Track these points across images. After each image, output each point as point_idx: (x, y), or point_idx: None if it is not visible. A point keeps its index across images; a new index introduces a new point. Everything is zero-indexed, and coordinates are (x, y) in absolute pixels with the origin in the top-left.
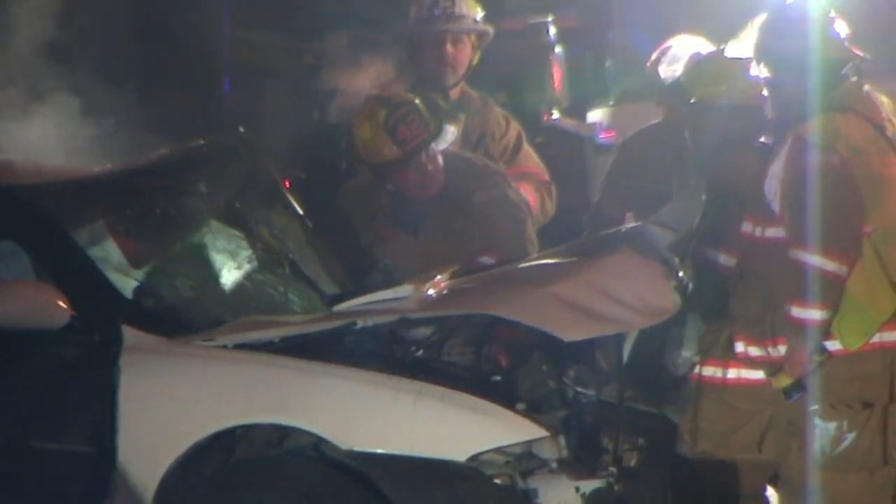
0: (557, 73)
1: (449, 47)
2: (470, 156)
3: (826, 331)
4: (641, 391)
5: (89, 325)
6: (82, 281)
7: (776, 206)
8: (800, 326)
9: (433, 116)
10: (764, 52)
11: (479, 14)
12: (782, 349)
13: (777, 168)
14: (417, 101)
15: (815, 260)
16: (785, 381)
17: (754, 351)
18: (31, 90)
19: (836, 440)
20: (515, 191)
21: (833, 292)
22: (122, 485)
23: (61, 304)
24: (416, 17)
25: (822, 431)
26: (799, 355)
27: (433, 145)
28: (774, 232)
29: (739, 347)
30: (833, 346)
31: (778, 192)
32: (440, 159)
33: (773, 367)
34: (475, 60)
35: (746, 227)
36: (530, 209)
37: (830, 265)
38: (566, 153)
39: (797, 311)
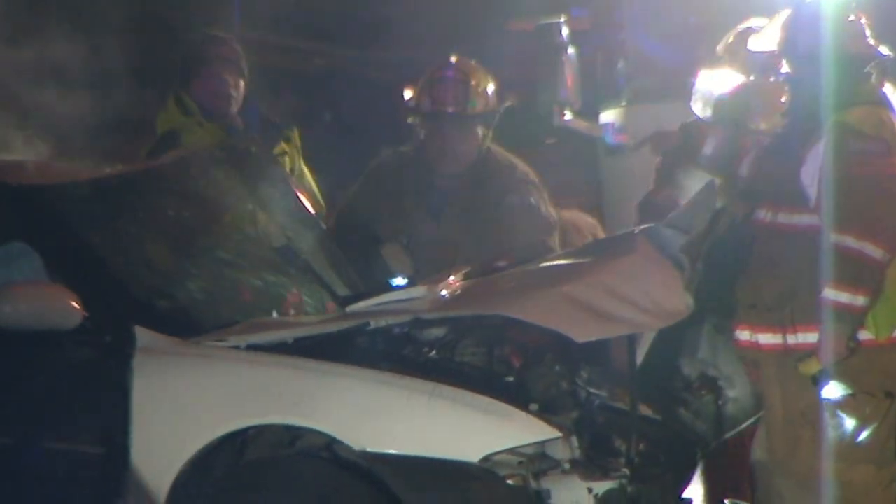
0: (569, 74)
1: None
2: (515, 160)
3: (862, 318)
4: (650, 396)
5: (101, 326)
6: (94, 282)
7: (813, 192)
8: (840, 312)
9: (481, 100)
10: (789, 47)
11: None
12: (801, 337)
13: (815, 155)
14: (482, 77)
15: (860, 245)
16: (815, 367)
17: (765, 339)
18: (40, 91)
19: (857, 430)
20: (547, 205)
21: (876, 278)
22: (135, 486)
23: (73, 305)
24: None
25: (841, 421)
26: (835, 341)
27: (463, 123)
28: (802, 219)
29: (743, 336)
30: (862, 335)
31: (816, 178)
32: (472, 141)
33: (791, 354)
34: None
35: (761, 214)
36: (558, 225)
37: (876, 251)
38: (578, 154)
39: (837, 296)
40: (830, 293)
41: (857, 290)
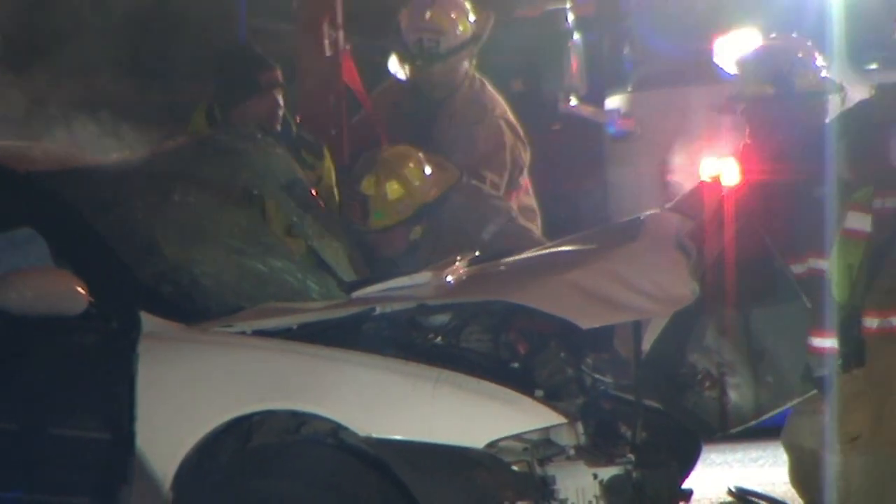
0: (574, 61)
1: None
2: (475, 184)
3: None
4: (654, 384)
5: (107, 312)
6: (100, 268)
7: None
8: None
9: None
10: None
11: None
12: None
13: None
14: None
15: None
16: None
17: None
18: (51, 81)
19: None
20: (516, 213)
21: None
22: (140, 471)
23: (79, 290)
24: None
25: None
26: None
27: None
28: None
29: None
30: None
31: None
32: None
33: None
34: None
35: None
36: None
37: None
38: (583, 140)
39: None
40: None
41: None
